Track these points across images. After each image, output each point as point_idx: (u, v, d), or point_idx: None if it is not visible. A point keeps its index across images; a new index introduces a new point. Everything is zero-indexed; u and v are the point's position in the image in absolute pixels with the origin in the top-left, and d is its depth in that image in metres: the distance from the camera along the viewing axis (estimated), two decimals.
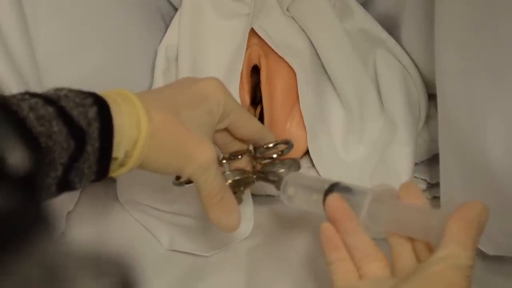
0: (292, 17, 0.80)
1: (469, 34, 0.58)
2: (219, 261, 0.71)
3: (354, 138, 0.77)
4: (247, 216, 0.73)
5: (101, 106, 0.51)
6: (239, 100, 0.75)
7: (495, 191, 0.58)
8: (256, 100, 0.79)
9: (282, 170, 0.64)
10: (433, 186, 0.77)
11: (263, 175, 0.65)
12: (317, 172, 0.76)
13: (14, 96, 0.49)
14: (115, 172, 0.54)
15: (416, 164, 0.78)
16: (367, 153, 0.77)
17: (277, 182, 0.62)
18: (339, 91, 0.78)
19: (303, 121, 0.75)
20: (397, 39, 0.81)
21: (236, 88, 0.75)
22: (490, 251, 0.66)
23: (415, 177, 0.78)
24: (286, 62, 0.76)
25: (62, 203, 0.73)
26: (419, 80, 0.80)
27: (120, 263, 0.30)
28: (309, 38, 0.79)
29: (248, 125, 0.63)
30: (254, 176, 0.65)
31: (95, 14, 0.72)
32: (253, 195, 0.74)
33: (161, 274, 0.70)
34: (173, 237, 0.73)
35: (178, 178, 0.62)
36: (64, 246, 0.29)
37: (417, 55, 0.80)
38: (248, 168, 0.66)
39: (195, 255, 0.72)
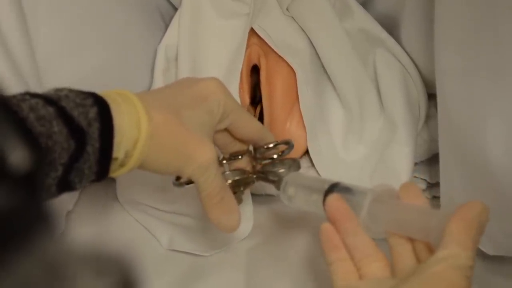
0: (292, 17, 0.80)
1: (469, 34, 0.58)
2: (218, 261, 0.71)
3: (353, 138, 0.77)
4: (247, 215, 0.72)
5: (102, 106, 0.51)
6: (239, 100, 0.75)
7: (495, 191, 0.58)
8: (256, 99, 0.78)
9: (282, 170, 0.64)
10: (433, 186, 0.77)
11: (263, 175, 0.65)
12: (317, 171, 0.76)
13: (14, 96, 0.49)
14: (115, 172, 0.54)
15: (416, 164, 0.78)
16: (366, 153, 0.77)
17: (277, 182, 0.62)
18: (339, 91, 0.78)
19: (302, 120, 0.75)
20: (397, 39, 0.81)
21: (236, 87, 0.75)
22: (490, 251, 0.66)
23: (415, 177, 0.78)
24: (286, 62, 0.76)
25: (62, 203, 0.73)
26: (419, 80, 0.80)
27: (120, 262, 0.30)
28: (308, 38, 0.79)
29: (248, 125, 0.63)
30: (254, 176, 0.65)
31: (95, 14, 0.72)
32: (252, 194, 0.74)
33: (161, 274, 0.70)
34: (173, 237, 0.73)
35: (178, 178, 0.62)
36: (64, 246, 0.29)
37: (417, 55, 0.80)
38: (248, 168, 0.66)
39: (194, 255, 0.72)
